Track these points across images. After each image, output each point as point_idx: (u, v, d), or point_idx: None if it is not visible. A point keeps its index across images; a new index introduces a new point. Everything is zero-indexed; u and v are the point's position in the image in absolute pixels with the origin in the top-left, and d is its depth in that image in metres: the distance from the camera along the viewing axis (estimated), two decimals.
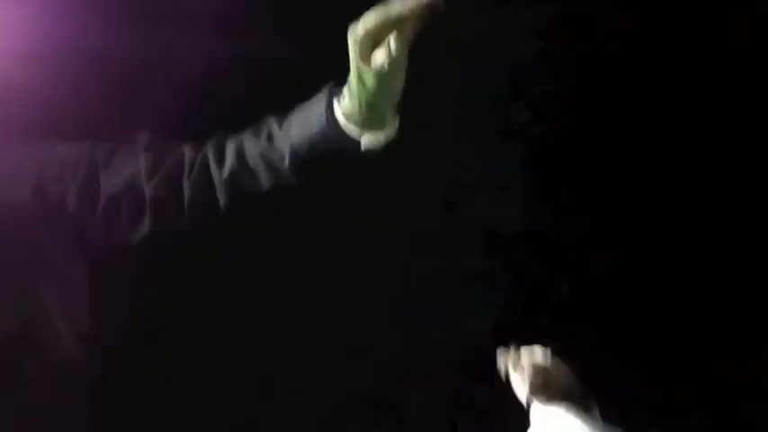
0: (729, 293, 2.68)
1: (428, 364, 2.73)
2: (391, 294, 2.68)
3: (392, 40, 1.50)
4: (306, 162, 1.62)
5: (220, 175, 1.66)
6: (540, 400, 1.32)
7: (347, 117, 1.59)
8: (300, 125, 1.62)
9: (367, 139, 1.60)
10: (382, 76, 1.54)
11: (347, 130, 1.59)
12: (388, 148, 1.61)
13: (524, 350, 1.36)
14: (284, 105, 1.67)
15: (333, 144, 1.60)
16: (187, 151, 1.71)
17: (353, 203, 2.42)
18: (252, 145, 1.66)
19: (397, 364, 2.72)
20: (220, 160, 1.67)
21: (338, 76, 1.59)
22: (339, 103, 1.59)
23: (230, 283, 2.53)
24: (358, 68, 1.54)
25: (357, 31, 1.52)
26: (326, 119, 1.59)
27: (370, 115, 1.58)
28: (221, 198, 1.67)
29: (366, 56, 1.53)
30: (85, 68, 2.16)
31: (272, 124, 1.66)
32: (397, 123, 1.62)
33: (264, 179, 1.65)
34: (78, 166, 1.74)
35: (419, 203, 2.67)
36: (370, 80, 1.54)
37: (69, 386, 1.72)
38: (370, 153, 1.60)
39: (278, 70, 2.35)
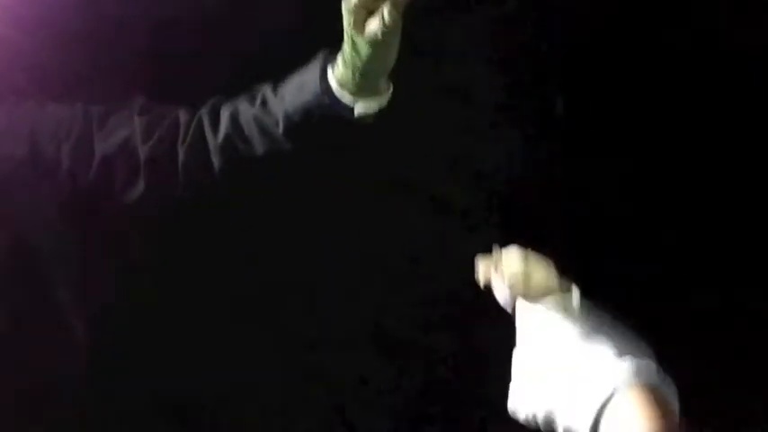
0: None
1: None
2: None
3: (386, 9, 1.51)
4: (299, 128, 1.64)
5: (215, 139, 1.68)
6: (521, 302, 1.31)
7: (341, 84, 1.60)
8: (295, 91, 1.64)
9: (360, 107, 1.61)
10: (376, 45, 1.55)
11: (341, 98, 1.61)
12: (382, 115, 1.63)
13: (502, 253, 1.35)
14: (281, 72, 1.69)
15: (326, 111, 1.62)
16: (182, 115, 1.72)
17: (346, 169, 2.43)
18: (246, 110, 1.67)
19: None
20: (215, 125, 1.69)
21: (334, 42, 1.61)
22: (333, 70, 1.61)
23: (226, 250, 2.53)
24: (352, 37, 1.56)
25: (351, 0, 1.54)
26: (320, 86, 1.61)
27: (363, 83, 1.60)
28: (215, 162, 1.68)
29: (360, 24, 1.54)
30: (76, 27, 2.17)
31: (267, 90, 1.67)
32: (390, 91, 1.64)
33: (258, 144, 1.66)
34: (73, 125, 1.74)
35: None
36: (363, 49, 1.56)
37: (64, 344, 1.74)
38: (363, 120, 1.62)
39: (274, 38, 2.35)
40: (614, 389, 1.14)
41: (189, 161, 1.69)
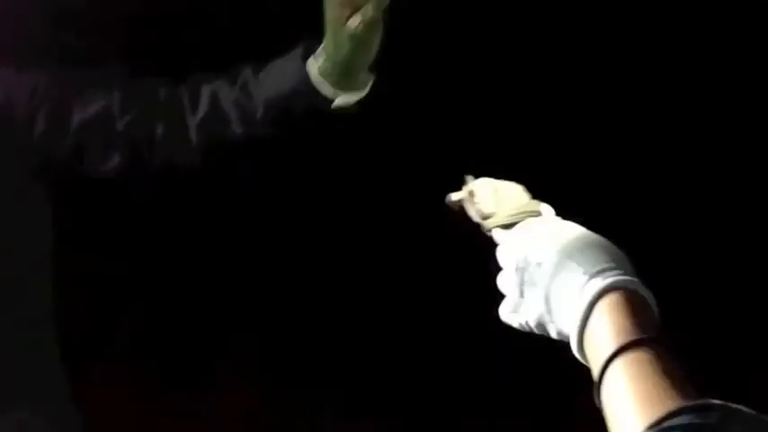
0: None
1: None
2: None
3: (368, 5, 1.52)
4: (279, 115, 1.64)
5: (194, 118, 1.67)
6: (495, 223, 1.32)
7: (322, 75, 1.60)
8: (275, 79, 1.64)
9: (340, 98, 1.62)
10: (357, 40, 1.55)
11: (321, 89, 1.61)
12: (362, 107, 1.64)
13: (472, 183, 1.36)
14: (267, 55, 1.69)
15: (306, 100, 1.62)
16: (161, 91, 1.71)
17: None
18: (226, 93, 1.67)
19: None
20: (194, 104, 1.68)
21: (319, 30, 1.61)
22: (315, 61, 1.61)
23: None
24: (334, 30, 1.56)
25: None
26: (301, 76, 1.61)
27: (344, 75, 1.60)
28: (193, 140, 1.67)
29: (342, 18, 1.54)
30: None
31: (248, 74, 1.67)
32: (370, 83, 1.64)
33: (237, 127, 1.66)
34: (50, 90, 1.71)
35: None
36: (344, 42, 1.56)
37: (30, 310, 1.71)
38: (343, 111, 1.62)
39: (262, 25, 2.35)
40: (597, 291, 1.13)
41: (166, 137, 1.67)
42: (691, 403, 0.98)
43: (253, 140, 1.66)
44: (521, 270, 1.24)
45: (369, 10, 1.52)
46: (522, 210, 1.31)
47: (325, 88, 1.61)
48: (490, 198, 1.34)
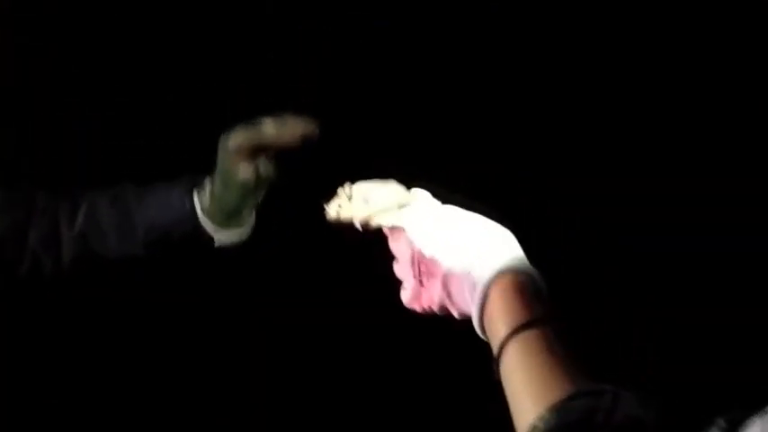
0: None
1: None
2: None
3: (262, 162, 1.52)
4: (158, 243, 1.63)
5: (69, 231, 1.65)
6: (371, 220, 1.37)
7: (205, 212, 1.60)
8: (158, 206, 1.62)
9: (222, 235, 1.61)
10: (247, 189, 1.55)
11: (203, 225, 1.60)
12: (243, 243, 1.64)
13: (343, 189, 1.41)
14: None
15: (187, 233, 1.61)
16: (39, 199, 1.68)
17: None
18: (107, 210, 1.65)
19: None
20: (72, 217, 1.66)
21: None
22: (200, 196, 1.60)
23: None
24: (224, 176, 1.55)
25: (229, 144, 1.53)
26: (185, 210, 1.60)
27: (227, 218, 1.59)
28: (65, 254, 1.65)
29: (234, 165, 1.53)
30: None
31: (130, 193, 1.65)
32: (253, 221, 1.63)
33: (114, 246, 1.64)
34: None
35: None
36: (234, 188, 1.55)
37: None
38: (224, 247, 1.62)
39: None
40: (489, 279, 1.18)
41: (37, 248, 1.65)
42: (585, 388, 1.03)
43: (129, 260, 1.64)
44: (416, 261, 1.30)
45: (265, 166, 1.52)
46: (395, 203, 1.36)
47: (208, 225, 1.60)
48: (361, 200, 1.38)
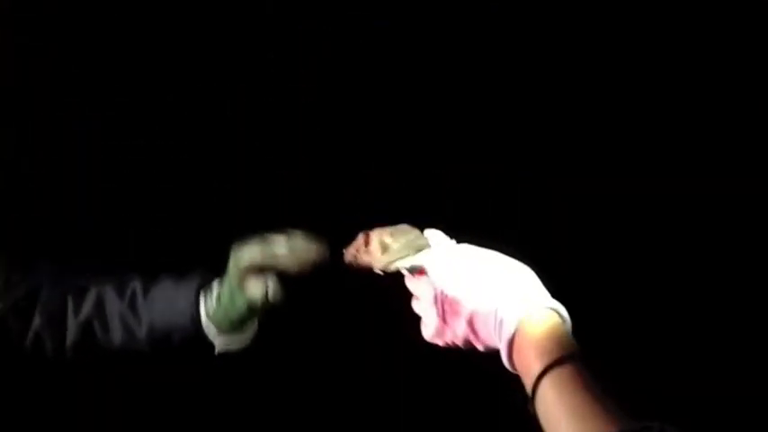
0: None
1: None
2: None
3: (271, 283, 1.54)
4: (161, 341, 1.65)
5: (75, 319, 1.67)
6: (388, 262, 1.38)
7: (209, 317, 1.61)
8: (163, 306, 1.64)
9: (223, 340, 1.63)
10: (253, 305, 1.56)
11: (206, 330, 1.62)
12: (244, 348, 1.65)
13: (361, 235, 1.42)
14: None
15: (189, 336, 1.63)
16: (46, 287, 1.70)
17: None
18: (113, 302, 1.67)
19: None
20: (78, 305, 1.68)
21: None
22: (206, 300, 1.62)
23: None
24: (232, 289, 1.57)
25: (240, 260, 1.54)
26: (190, 313, 1.62)
27: (231, 326, 1.61)
28: (69, 339, 1.67)
29: (244, 281, 1.55)
30: None
31: (137, 286, 1.67)
32: (255, 328, 1.65)
33: (118, 337, 1.66)
34: None
35: None
36: (240, 302, 1.57)
37: None
38: (225, 352, 1.64)
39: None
40: (517, 321, 1.20)
41: (42, 330, 1.67)
42: (630, 426, 1.05)
43: (129, 352, 1.67)
44: (439, 301, 1.31)
45: (273, 291, 1.54)
46: (410, 244, 1.37)
47: (211, 330, 1.62)
48: (379, 246, 1.40)
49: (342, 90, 2.51)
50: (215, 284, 1.62)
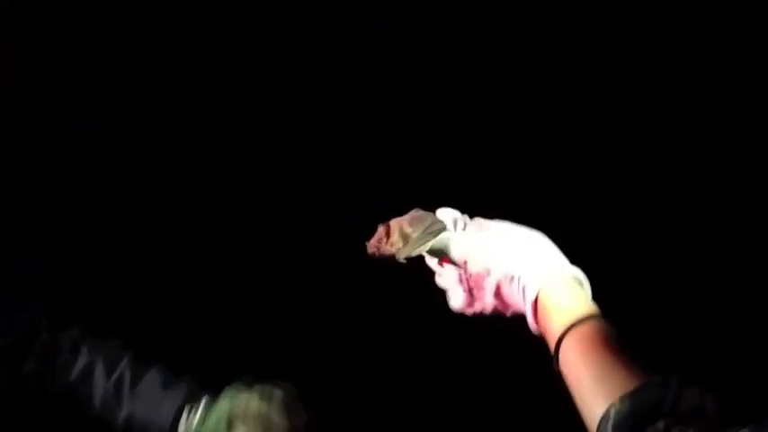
0: None
1: None
2: None
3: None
4: (137, 430, 1.70)
5: (61, 378, 1.73)
6: (408, 252, 1.41)
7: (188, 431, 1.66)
8: (146, 407, 1.70)
9: None
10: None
11: None
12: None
13: (380, 227, 1.45)
14: None
15: None
16: (43, 333, 1.75)
17: None
18: (99, 377, 1.72)
19: None
20: (68, 365, 1.73)
21: None
22: (188, 416, 1.67)
23: None
24: (219, 419, 1.62)
25: (230, 416, 1.61)
26: (170, 422, 1.67)
27: None
28: (53, 388, 1.73)
29: (231, 429, 1.61)
30: None
31: (126, 375, 1.72)
32: None
33: (97, 404, 1.72)
34: None
35: None
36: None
37: None
38: None
39: None
40: (539, 278, 1.24)
41: (29, 379, 1.73)
42: (652, 379, 1.10)
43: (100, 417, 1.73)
44: (464, 279, 1.36)
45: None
46: (429, 230, 1.40)
47: None
48: (399, 235, 1.42)
49: (342, 90, 2.51)
50: (203, 402, 1.67)
